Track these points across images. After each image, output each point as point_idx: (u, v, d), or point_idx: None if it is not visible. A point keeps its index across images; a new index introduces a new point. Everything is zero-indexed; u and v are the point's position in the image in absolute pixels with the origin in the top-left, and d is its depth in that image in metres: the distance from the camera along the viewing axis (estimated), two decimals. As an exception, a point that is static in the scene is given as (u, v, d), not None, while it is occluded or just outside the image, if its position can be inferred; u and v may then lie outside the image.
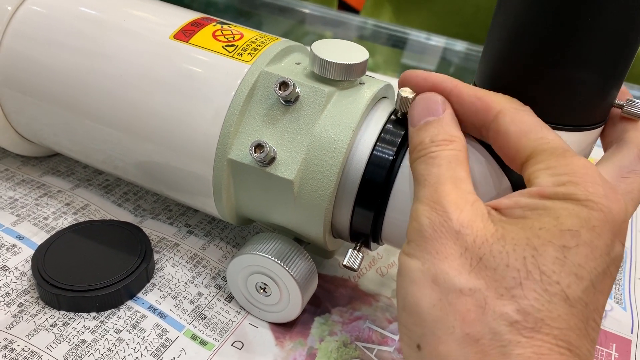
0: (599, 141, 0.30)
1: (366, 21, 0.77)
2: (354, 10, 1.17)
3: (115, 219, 0.36)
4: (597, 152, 0.30)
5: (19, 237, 0.34)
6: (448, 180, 0.23)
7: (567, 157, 0.22)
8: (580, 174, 0.21)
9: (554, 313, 0.19)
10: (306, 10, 0.78)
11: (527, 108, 0.25)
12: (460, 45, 0.71)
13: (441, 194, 0.22)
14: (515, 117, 0.24)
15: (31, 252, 0.33)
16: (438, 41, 0.73)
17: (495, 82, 0.27)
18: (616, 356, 0.32)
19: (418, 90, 0.27)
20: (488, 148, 0.27)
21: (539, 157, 0.23)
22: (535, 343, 0.19)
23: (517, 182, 0.27)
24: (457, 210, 0.22)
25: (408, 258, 0.22)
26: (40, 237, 0.34)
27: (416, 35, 0.74)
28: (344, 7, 1.20)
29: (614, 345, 0.33)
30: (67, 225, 0.35)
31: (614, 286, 0.37)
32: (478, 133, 0.26)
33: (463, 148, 0.24)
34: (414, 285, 0.21)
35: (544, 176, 0.22)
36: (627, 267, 0.39)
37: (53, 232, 0.34)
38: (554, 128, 0.26)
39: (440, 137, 0.25)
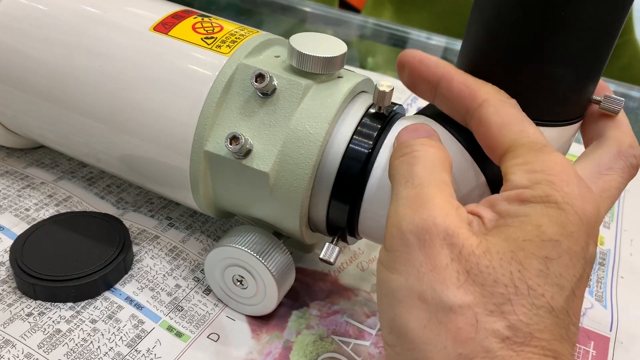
0: (579, 137, 0.30)
1: (367, 20, 0.77)
2: (355, 9, 1.17)
3: (96, 210, 0.36)
4: (577, 148, 0.30)
5: (0, 228, 0.34)
6: (432, 182, 0.22)
7: (545, 152, 0.22)
8: (556, 172, 0.21)
9: (540, 325, 0.19)
10: (307, 9, 0.78)
11: (513, 101, 0.25)
12: (460, 45, 0.71)
13: (425, 197, 0.21)
14: (499, 108, 0.24)
15: (11, 242, 0.33)
16: (439, 41, 0.73)
17: (475, 75, 0.27)
18: (594, 354, 0.32)
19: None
20: (469, 136, 0.26)
21: (517, 151, 0.23)
22: (526, 356, 0.19)
23: (494, 177, 0.27)
24: (443, 215, 0.21)
25: (389, 273, 0.21)
26: (21, 228, 0.34)
27: (417, 35, 0.74)
28: (345, 6, 1.20)
29: (592, 342, 0.33)
30: (48, 217, 0.35)
31: (596, 284, 0.37)
32: (462, 120, 0.26)
33: (446, 151, 0.24)
34: (401, 305, 0.20)
35: (519, 172, 0.22)
36: (610, 265, 0.39)
37: (33, 223, 0.34)
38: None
39: (424, 139, 0.24)
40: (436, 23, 0.88)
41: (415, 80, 0.27)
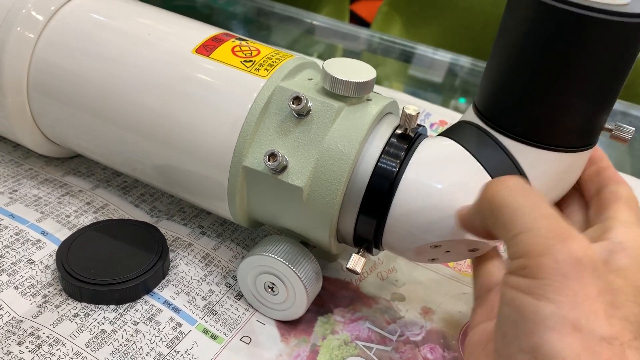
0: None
1: (374, 35, 0.79)
2: (365, 23, 1.19)
3: (132, 218, 0.39)
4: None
5: (44, 233, 0.36)
6: (556, 214, 0.22)
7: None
8: None
9: None
10: (316, 22, 0.80)
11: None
12: (464, 60, 0.73)
13: (566, 228, 0.21)
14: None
15: (54, 247, 0.35)
16: (444, 56, 0.75)
17: (496, 103, 0.29)
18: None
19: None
20: (491, 160, 0.29)
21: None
22: None
23: None
24: (590, 246, 0.21)
25: (535, 300, 0.21)
26: (62, 234, 0.36)
27: (423, 50, 0.76)
28: (356, 18, 1.22)
29: None
30: (88, 223, 0.37)
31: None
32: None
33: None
34: (553, 332, 0.20)
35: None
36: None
37: (75, 229, 0.36)
38: (548, 148, 0.28)
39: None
40: (445, 37, 0.90)
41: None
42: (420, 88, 0.70)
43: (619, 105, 0.66)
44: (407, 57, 0.75)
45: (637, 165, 0.57)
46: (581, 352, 0.19)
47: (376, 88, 0.59)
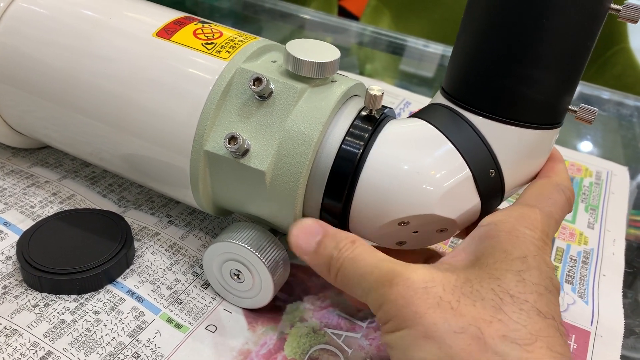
0: (559, 141, 0.31)
1: (365, 28, 0.78)
2: (354, 17, 1.18)
3: (99, 208, 0.38)
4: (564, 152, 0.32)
5: (6, 224, 0.36)
6: (382, 260, 0.25)
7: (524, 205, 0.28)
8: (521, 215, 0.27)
9: (536, 326, 0.22)
10: (306, 16, 0.79)
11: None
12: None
13: (388, 270, 0.24)
14: None
15: (17, 237, 0.35)
16: (436, 48, 0.75)
17: (462, 80, 0.29)
18: (575, 347, 0.34)
19: None
20: (470, 147, 0.29)
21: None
22: (537, 356, 0.21)
23: (488, 192, 0.29)
24: (414, 272, 0.24)
25: (392, 334, 0.23)
26: (26, 224, 0.36)
27: (414, 42, 0.75)
28: (344, 13, 1.22)
29: (574, 336, 0.34)
30: (52, 214, 0.36)
31: (579, 281, 0.39)
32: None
33: (354, 237, 0.27)
34: (411, 349, 0.22)
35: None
36: (593, 263, 0.40)
37: (38, 220, 0.36)
38: (512, 124, 0.28)
39: (342, 242, 0.26)
40: (434, 30, 0.90)
41: None
42: (411, 83, 0.69)
43: (615, 95, 0.66)
44: (397, 50, 0.75)
45: (630, 154, 0.56)
46: (437, 351, 0.21)
47: (367, 81, 0.58)
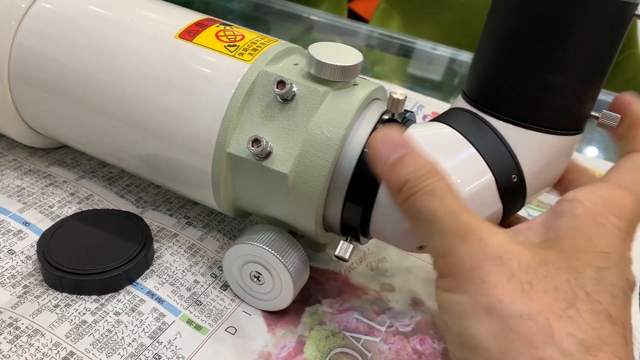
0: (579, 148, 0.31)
1: (374, 30, 0.78)
2: (364, 19, 1.19)
3: (117, 209, 0.38)
4: (579, 157, 0.32)
5: (25, 224, 0.36)
6: (461, 209, 0.23)
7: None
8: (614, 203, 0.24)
9: (605, 331, 0.20)
10: (315, 18, 0.79)
11: None
12: (465, 56, 0.73)
13: (465, 224, 0.22)
14: None
15: (36, 237, 0.35)
16: (444, 51, 0.75)
17: (485, 85, 0.29)
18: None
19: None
20: (492, 150, 0.28)
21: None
22: None
23: (507, 193, 0.29)
24: (491, 235, 0.22)
25: (451, 294, 0.22)
26: (45, 224, 0.36)
27: (422, 45, 0.75)
28: (353, 16, 1.22)
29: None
30: (71, 214, 0.36)
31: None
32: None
33: (443, 173, 0.24)
34: (468, 319, 0.21)
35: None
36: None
37: (58, 220, 0.36)
38: (535, 129, 0.28)
39: (425, 169, 0.24)
40: (443, 34, 0.90)
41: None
42: (419, 85, 0.69)
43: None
44: (406, 53, 0.75)
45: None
46: (498, 332, 0.20)
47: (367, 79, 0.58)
